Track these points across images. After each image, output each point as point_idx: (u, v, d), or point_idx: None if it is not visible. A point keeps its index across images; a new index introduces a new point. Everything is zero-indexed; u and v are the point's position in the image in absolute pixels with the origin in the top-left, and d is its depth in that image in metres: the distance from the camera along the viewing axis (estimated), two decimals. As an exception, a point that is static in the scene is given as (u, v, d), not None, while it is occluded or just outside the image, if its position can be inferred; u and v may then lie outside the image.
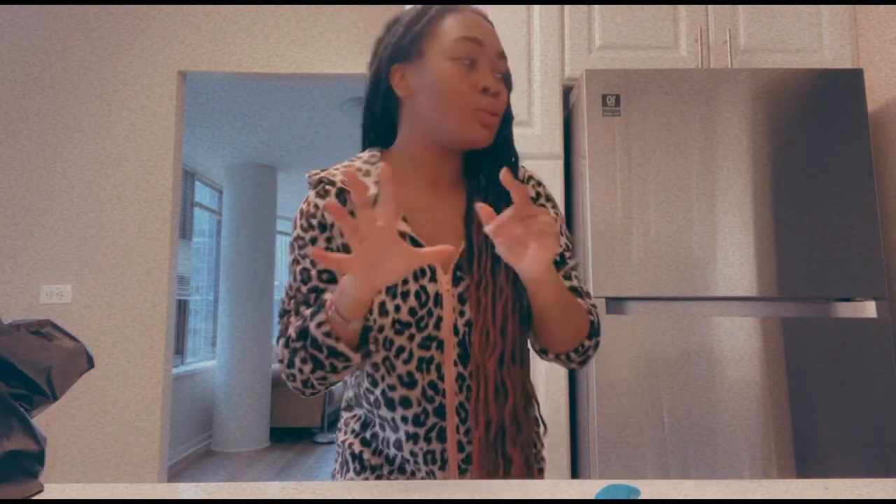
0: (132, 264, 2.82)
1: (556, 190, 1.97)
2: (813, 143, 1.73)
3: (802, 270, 1.68)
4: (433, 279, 0.83)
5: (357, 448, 0.88)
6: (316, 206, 0.85)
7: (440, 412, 0.82)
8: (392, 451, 0.85)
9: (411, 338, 0.82)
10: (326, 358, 0.76)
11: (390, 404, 0.83)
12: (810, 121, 1.74)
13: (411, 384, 0.82)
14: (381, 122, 0.94)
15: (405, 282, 0.82)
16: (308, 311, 0.79)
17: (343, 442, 0.91)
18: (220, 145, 4.85)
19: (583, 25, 2.05)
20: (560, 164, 1.99)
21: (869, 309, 1.67)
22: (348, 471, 0.89)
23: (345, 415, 0.94)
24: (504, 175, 0.68)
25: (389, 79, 0.88)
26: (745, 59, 2.03)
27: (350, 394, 0.92)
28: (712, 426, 1.63)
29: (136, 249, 2.83)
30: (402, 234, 0.83)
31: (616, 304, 1.69)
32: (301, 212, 0.87)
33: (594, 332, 0.88)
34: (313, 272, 0.84)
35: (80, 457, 2.73)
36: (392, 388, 0.83)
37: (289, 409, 5.60)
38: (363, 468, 0.87)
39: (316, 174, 0.88)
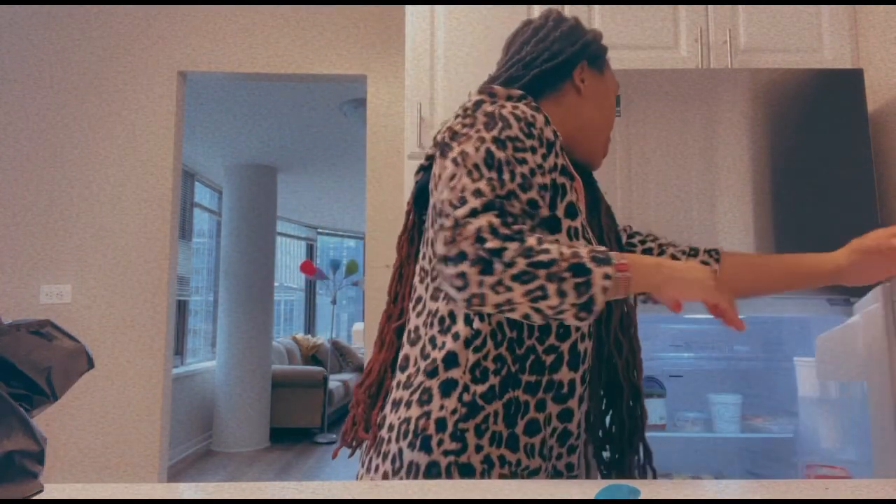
0: (132, 264, 2.82)
1: (556, 190, 1.97)
2: (813, 143, 1.73)
3: (802, 270, 1.68)
4: (585, 224, 0.90)
5: (511, 458, 0.77)
6: (534, 117, 0.80)
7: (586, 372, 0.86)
8: (548, 432, 0.80)
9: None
10: (577, 298, 0.68)
11: (575, 362, 0.82)
12: (810, 121, 1.74)
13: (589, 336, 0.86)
14: (532, 77, 0.92)
15: (578, 214, 0.86)
16: (580, 249, 0.70)
17: (485, 460, 0.77)
18: (220, 145, 4.85)
19: (583, 25, 2.06)
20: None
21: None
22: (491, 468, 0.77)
23: (470, 425, 0.77)
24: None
25: (574, 65, 0.94)
26: (745, 59, 2.03)
27: (481, 388, 0.78)
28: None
29: (136, 249, 2.83)
30: (573, 176, 0.86)
31: (616, 304, 1.69)
32: (517, 116, 0.79)
33: None
34: (533, 182, 0.77)
35: (80, 457, 2.73)
36: (584, 337, 0.84)
37: (289, 409, 5.60)
38: (515, 474, 0.78)
39: (503, 89, 0.86)
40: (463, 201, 0.71)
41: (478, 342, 0.78)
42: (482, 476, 0.76)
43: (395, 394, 0.83)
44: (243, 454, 5.06)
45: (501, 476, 0.76)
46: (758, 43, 2.04)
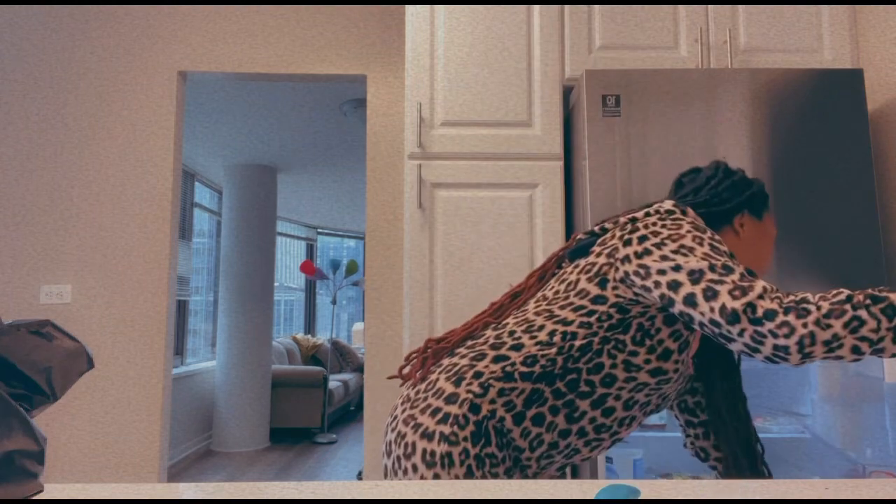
0: (132, 264, 2.82)
1: (556, 190, 1.97)
2: (813, 143, 1.73)
3: (802, 270, 1.68)
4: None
5: (508, 424, 0.93)
6: (721, 241, 0.94)
7: (613, 435, 0.99)
8: (547, 438, 0.94)
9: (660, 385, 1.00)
10: (889, 322, 0.78)
11: (599, 404, 0.95)
12: (810, 121, 1.74)
13: (628, 407, 0.97)
14: (699, 214, 1.07)
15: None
16: (879, 298, 0.80)
17: (491, 412, 0.93)
18: (220, 145, 4.85)
19: (583, 25, 2.05)
20: (560, 164, 1.99)
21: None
22: (488, 444, 0.91)
23: (498, 384, 0.94)
24: None
25: (737, 213, 1.07)
26: (745, 59, 2.03)
27: (525, 369, 0.94)
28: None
29: (136, 249, 2.83)
30: None
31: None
32: (705, 226, 0.97)
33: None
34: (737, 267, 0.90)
35: (80, 457, 2.73)
36: (618, 398, 0.95)
37: (289, 409, 5.60)
38: (503, 446, 0.92)
39: (674, 203, 1.00)
40: (728, 269, 0.86)
41: (546, 341, 0.95)
42: (483, 419, 0.91)
43: (459, 350, 1.03)
44: (243, 454, 5.06)
45: (495, 428, 0.92)
46: (758, 43, 2.04)
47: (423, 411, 0.94)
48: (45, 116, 2.87)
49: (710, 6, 2.05)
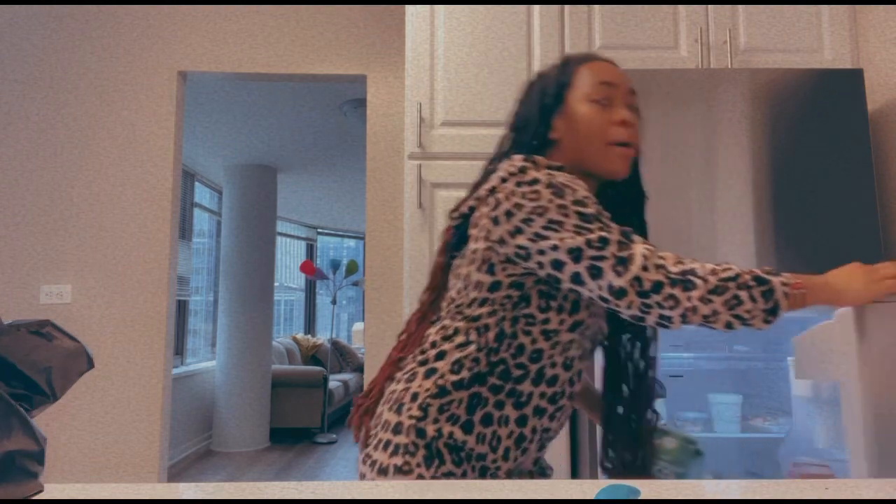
0: (132, 264, 2.82)
1: (556, 190, 1.97)
2: (813, 143, 1.73)
3: (802, 270, 1.68)
4: None
5: (459, 437, 0.91)
6: (577, 183, 0.91)
7: (571, 395, 0.98)
8: (504, 433, 0.92)
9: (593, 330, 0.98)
10: (765, 303, 0.85)
11: (539, 379, 0.93)
12: (810, 121, 1.74)
13: (569, 367, 0.96)
14: (527, 149, 1.04)
15: None
16: (749, 270, 0.86)
17: (437, 431, 0.91)
18: (220, 145, 4.85)
19: (583, 25, 2.06)
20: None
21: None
22: (442, 464, 0.89)
23: (436, 402, 0.92)
24: None
25: (549, 125, 1.01)
26: (745, 59, 2.03)
27: (454, 377, 0.93)
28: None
29: (136, 249, 2.83)
30: None
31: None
32: (571, 182, 0.91)
33: None
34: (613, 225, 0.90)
35: (80, 457, 2.73)
36: (553, 365, 0.94)
37: (289, 409, 5.61)
38: (462, 460, 0.90)
39: (541, 158, 0.95)
40: (604, 241, 0.85)
41: (460, 340, 0.95)
42: (431, 441, 0.90)
43: (397, 375, 1.02)
44: (243, 454, 5.07)
45: (446, 445, 0.91)
46: (758, 43, 2.04)
47: (375, 447, 0.93)
48: (45, 116, 2.87)
49: (710, 6, 2.05)
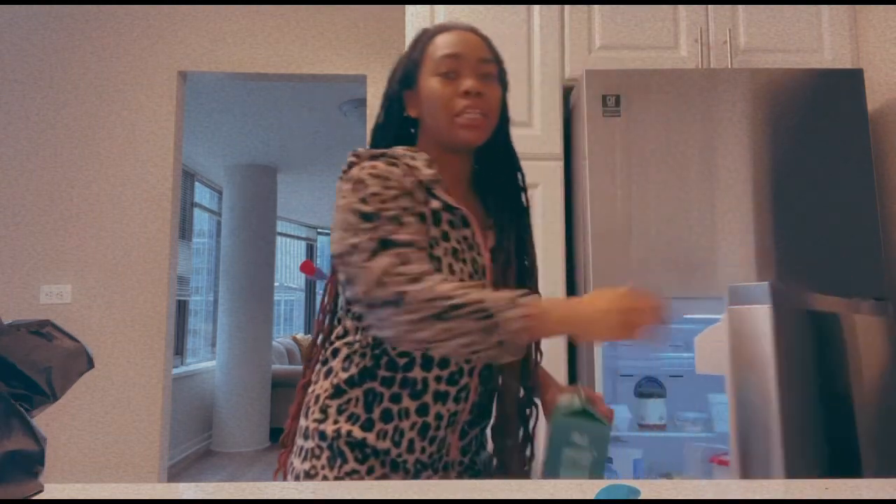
0: (132, 264, 2.82)
1: (556, 190, 1.97)
2: (813, 143, 1.73)
3: (802, 270, 1.68)
4: (480, 253, 0.96)
5: (358, 435, 0.88)
6: (389, 171, 0.90)
7: (471, 372, 0.93)
8: (406, 425, 0.89)
9: None
10: (490, 342, 0.78)
11: (428, 364, 0.90)
12: (810, 121, 1.74)
13: None
14: (393, 135, 1.04)
15: (463, 250, 0.93)
16: (488, 295, 0.78)
17: (336, 432, 0.89)
18: (220, 145, 4.85)
19: (583, 25, 2.06)
20: (560, 164, 1.99)
21: (869, 309, 1.67)
22: (345, 462, 0.88)
23: (334, 403, 0.92)
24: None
25: (402, 103, 1.01)
26: (745, 59, 2.03)
27: (345, 375, 0.92)
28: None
29: (136, 249, 2.83)
30: (451, 207, 0.94)
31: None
32: (374, 175, 0.89)
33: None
34: (405, 220, 0.87)
35: (80, 457, 2.73)
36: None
37: (289, 409, 5.60)
38: (367, 456, 0.88)
39: (363, 150, 0.96)
40: (354, 248, 0.83)
41: (350, 339, 0.94)
42: (332, 441, 0.89)
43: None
44: (243, 454, 5.06)
45: (347, 444, 0.89)
46: (758, 43, 2.04)
47: (295, 454, 0.94)
48: (45, 116, 2.87)
49: (710, 6, 2.05)
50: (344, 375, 0.92)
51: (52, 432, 2.73)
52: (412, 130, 1.04)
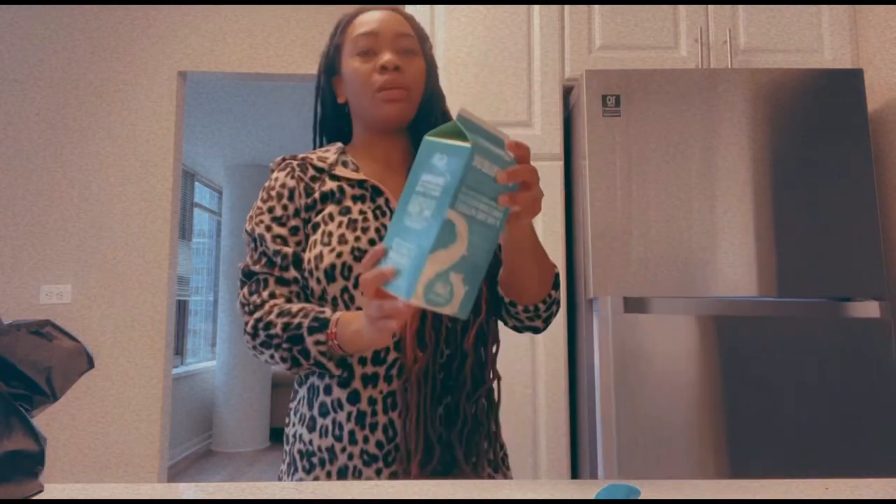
0: (132, 264, 2.82)
1: (556, 190, 1.97)
2: (813, 143, 1.73)
3: (803, 270, 1.68)
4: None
5: (306, 437, 0.89)
6: (276, 178, 0.95)
7: (398, 346, 0.86)
8: (342, 417, 0.86)
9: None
10: (309, 364, 0.83)
11: (319, 365, 0.83)
12: (810, 121, 1.74)
13: None
14: (333, 127, 1.04)
15: (366, 219, 0.90)
16: (303, 319, 0.82)
17: (294, 436, 0.92)
18: (220, 145, 4.85)
19: (583, 25, 2.06)
20: (560, 164, 1.99)
21: (869, 309, 1.67)
22: (296, 471, 0.88)
23: (293, 405, 0.95)
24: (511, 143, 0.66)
25: (333, 92, 1.01)
26: (745, 59, 2.03)
27: (297, 375, 0.95)
28: (713, 426, 1.63)
29: (136, 249, 2.83)
30: (362, 182, 0.94)
31: (616, 304, 1.69)
32: (263, 188, 0.96)
33: (557, 283, 0.94)
34: (269, 237, 0.91)
35: (80, 457, 2.73)
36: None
37: (289, 409, 5.61)
38: (313, 466, 0.87)
39: (278, 159, 0.99)
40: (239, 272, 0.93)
41: None
42: (290, 447, 0.92)
43: None
44: (243, 454, 5.06)
45: (298, 451, 0.90)
46: (758, 43, 2.04)
47: None
48: (45, 116, 2.87)
49: (710, 6, 2.05)
50: (296, 376, 0.95)
51: (52, 432, 2.73)
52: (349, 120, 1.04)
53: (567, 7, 2.06)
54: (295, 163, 0.96)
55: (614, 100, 1.76)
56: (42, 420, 2.70)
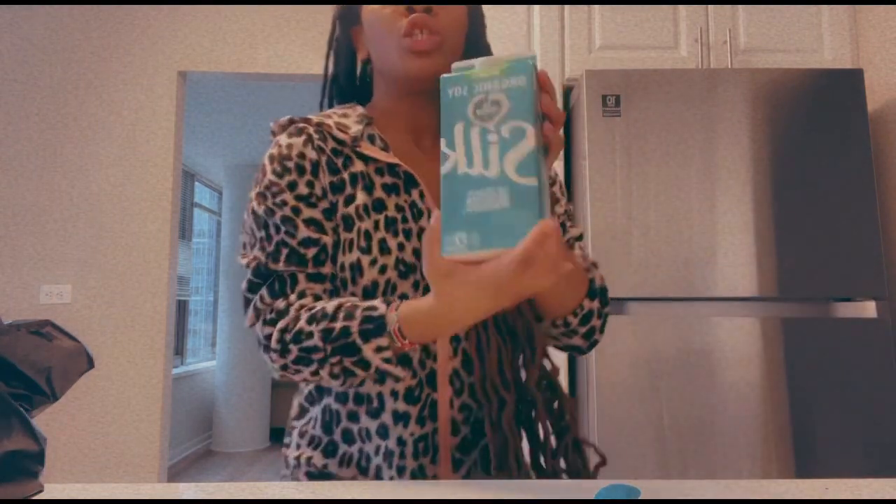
0: (132, 264, 2.82)
1: (556, 190, 1.97)
2: (813, 143, 1.73)
3: (802, 270, 1.68)
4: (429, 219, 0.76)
5: (319, 462, 0.76)
6: (290, 146, 0.75)
7: (431, 381, 0.74)
8: (370, 449, 0.74)
9: (416, 285, 0.73)
10: (370, 374, 0.67)
11: (381, 376, 0.69)
12: (810, 121, 1.74)
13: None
14: (348, 88, 0.87)
15: (405, 220, 0.75)
16: (348, 321, 0.65)
17: (298, 458, 0.78)
18: (220, 145, 4.85)
19: (583, 25, 2.06)
20: (560, 164, 1.99)
21: (869, 309, 1.67)
22: None
23: (297, 424, 0.81)
24: (543, 75, 0.56)
25: (351, 45, 0.84)
26: (745, 59, 2.03)
27: (306, 391, 0.81)
28: (712, 426, 1.63)
29: (136, 249, 2.83)
30: (393, 167, 0.76)
31: (616, 304, 1.69)
32: (272, 156, 0.75)
33: (594, 292, 0.77)
34: (299, 222, 0.72)
35: (80, 457, 2.73)
36: None
37: (289, 408, 5.60)
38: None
39: (283, 120, 0.79)
40: (245, 272, 0.74)
41: None
42: (293, 471, 0.78)
43: None
44: (243, 454, 5.06)
45: (307, 474, 0.77)
46: (758, 43, 2.04)
47: None
48: (45, 116, 2.87)
49: (710, 6, 2.05)
50: (305, 391, 0.81)
51: (52, 432, 2.73)
52: (369, 80, 0.87)
53: (567, 7, 2.06)
54: (311, 128, 0.76)
55: (614, 100, 1.76)
56: (42, 420, 2.70)
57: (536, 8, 2.06)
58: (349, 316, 0.65)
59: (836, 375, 1.64)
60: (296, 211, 0.73)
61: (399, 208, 0.75)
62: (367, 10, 0.77)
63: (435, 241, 0.55)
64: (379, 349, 0.64)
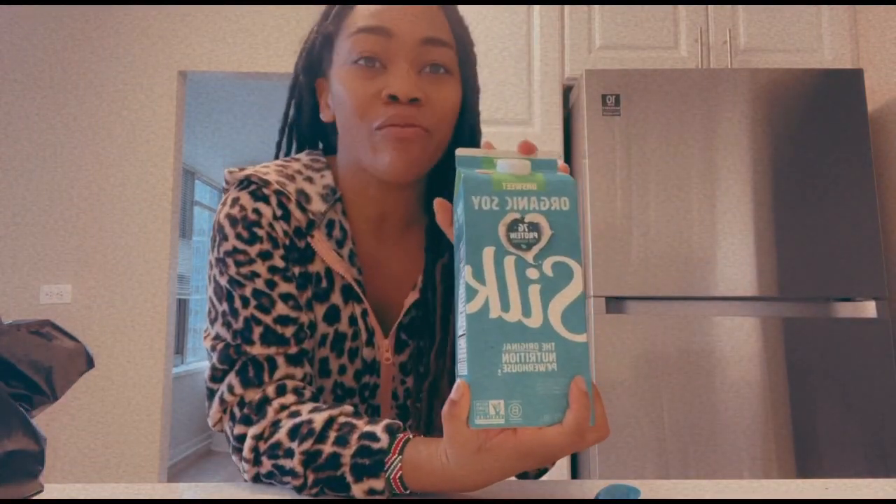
0: (132, 264, 2.82)
1: (556, 190, 1.97)
2: (813, 143, 1.73)
3: (802, 270, 1.68)
4: (370, 343, 0.67)
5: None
6: (257, 211, 0.63)
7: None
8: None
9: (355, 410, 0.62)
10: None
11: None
12: (810, 121, 1.74)
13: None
14: (310, 134, 0.74)
15: (355, 336, 0.67)
16: (339, 448, 0.54)
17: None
18: (220, 145, 4.85)
19: (583, 25, 2.06)
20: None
21: (869, 309, 1.67)
22: None
23: None
24: None
25: (314, 96, 0.71)
26: (745, 59, 2.03)
27: None
28: (712, 426, 1.63)
29: (136, 249, 2.83)
30: (348, 285, 0.67)
31: (616, 303, 1.69)
32: (232, 218, 0.62)
33: None
34: (275, 296, 0.62)
35: (80, 457, 2.73)
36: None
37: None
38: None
39: (238, 171, 0.66)
40: (209, 355, 0.64)
41: None
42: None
43: None
44: (243, 454, 5.06)
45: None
46: (758, 43, 2.04)
47: None
48: (45, 116, 2.87)
49: (710, 6, 2.05)
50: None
51: (52, 432, 2.73)
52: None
53: (567, 7, 2.06)
54: (272, 196, 0.64)
55: (614, 99, 1.76)
56: (42, 420, 2.70)
57: (536, 8, 2.06)
58: (342, 441, 0.54)
59: (837, 375, 1.64)
60: (271, 284, 0.62)
61: (352, 320, 0.67)
62: (338, 74, 0.63)
63: (460, 415, 0.43)
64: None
